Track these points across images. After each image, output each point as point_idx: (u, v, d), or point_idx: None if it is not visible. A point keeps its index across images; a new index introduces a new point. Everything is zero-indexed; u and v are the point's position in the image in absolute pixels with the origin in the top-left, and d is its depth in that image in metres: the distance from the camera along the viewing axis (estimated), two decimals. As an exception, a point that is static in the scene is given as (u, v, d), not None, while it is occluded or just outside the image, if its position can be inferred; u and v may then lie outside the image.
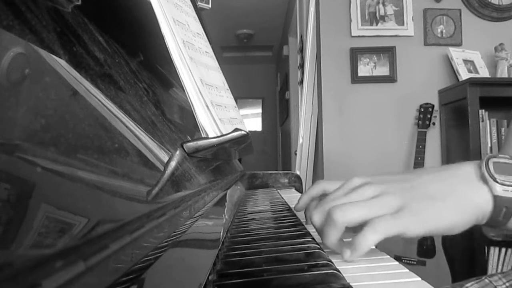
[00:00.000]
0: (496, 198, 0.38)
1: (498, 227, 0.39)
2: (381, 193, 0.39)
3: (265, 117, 6.05)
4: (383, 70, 2.14)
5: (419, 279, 0.31)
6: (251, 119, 5.97)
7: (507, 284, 0.51)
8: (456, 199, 0.38)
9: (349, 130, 2.15)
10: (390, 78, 2.14)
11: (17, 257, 0.11)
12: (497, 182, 0.38)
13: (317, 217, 0.40)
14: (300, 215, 0.59)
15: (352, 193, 0.40)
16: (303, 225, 0.51)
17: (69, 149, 0.17)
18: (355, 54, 2.15)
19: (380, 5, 2.16)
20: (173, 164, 0.32)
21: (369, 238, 0.35)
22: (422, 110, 1.99)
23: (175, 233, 0.26)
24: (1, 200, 0.11)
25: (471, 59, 2.08)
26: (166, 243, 0.23)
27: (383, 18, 2.16)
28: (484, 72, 2.06)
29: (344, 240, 0.39)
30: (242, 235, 0.47)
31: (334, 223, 0.37)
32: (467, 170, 0.40)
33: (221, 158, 0.63)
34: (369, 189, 0.40)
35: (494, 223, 0.38)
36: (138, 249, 0.19)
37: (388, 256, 0.39)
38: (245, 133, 0.45)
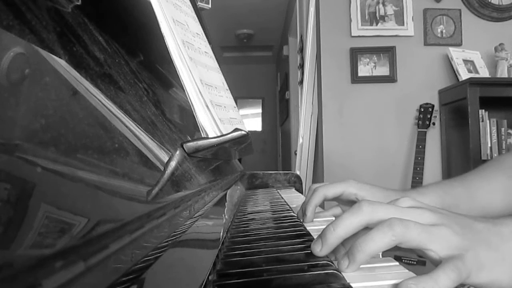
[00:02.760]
0: None
1: None
2: (441, 224, 0.35)
3: (265, 117, 6.04)
4: (383, 70, 2.14)
5: (419, 279, 0.31)
6: (251, 119, 5.97)
7: (508, 284, 0.51)
8: (509, 257, 0.34)
9: (349, 130, 2.15)
10: (390, 78, 2.14)
11: (17, 257, 0.11)
12: None
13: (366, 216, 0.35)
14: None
15: (410, 211, 0.36)
16: (303, 225, 0.51)
17: (69, 149, 0.17)
18: (355, 54, 2.15)
19: (380, 5, 2.16)
20: (173, 164, 0.32)
21: (442, 284, 0.30)
22: (422, 110, 1.99)
23: (175, 233, 0.26)
24: (1, 200, 0.11)
25: (471, 59, 2.08)
26: (166, 243, 0.23)
27: (383, 18, 2.16)
28: (484, 72, 2.06)
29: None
30: (242, 235, 0.47)
31: (391, 233, 0.32)
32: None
33: (221, 158, 0.63)
34: (427, 214, 0.35)
35: None
36: (138, 249, 0.19)
37: (388, 256, 0.39)
38: (245, 133, 0.45)
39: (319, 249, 0.36)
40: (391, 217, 0.34)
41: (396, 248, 0.35)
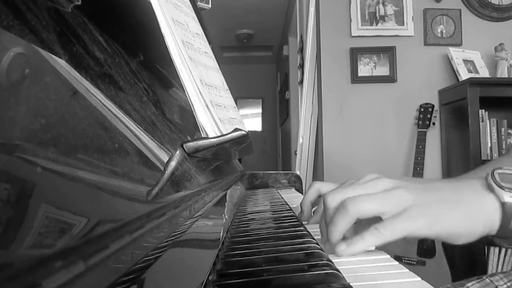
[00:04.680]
0: (504, 206, 0.38)
1: (510, 237, 0.39)
2: (395, 187, 0.40)
3: (265, 117, 6.04)
4: (383, 70, 2.14)
5: (419, 279, 0.31)
6: (251, 119, 5.97)
7: (509, 284, 0.51)
8: (465, 207, 0.39)
9: (349, 130, 2.15)
10: (390, 78, 2.14)
11: (17, 257, 0.11)
12: (504, 189, 0.38)
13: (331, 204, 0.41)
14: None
15: (368, 184, 0.41)
16: (303, 225, 0.51)
17: (69, 149, 0.17)
18: (355, 54, 2.14)
19: (380, 5, 2.16)
20: (173, 164, 0.32)
21: (370, 240, 0.37)
22: (422, 110, 1.99)
23: (175, 233, 0.26)
24: (1, 200, 0.11)
25: (471, 59, 2.08)
26: (166, 243, 0.23)
27: (383, 18, 2.16)
28: (484, 72, 2.06)
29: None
30: (242, 235, 0.47)
31: (346, 212, 0.38)
32: (474, 182, 0.41)
33: (221, 158, 0.63)
34: (384, 182, 0.41)
35: (505, 233, 0.38)
36: (138, 249, 0.19)
37: (388, 256, 0.39)
38: (245, 133, 0.45)
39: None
40: (345, 199, 0.39)
41: (398, 244, 0.37)
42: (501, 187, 0.38)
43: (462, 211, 0.38)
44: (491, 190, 0.39)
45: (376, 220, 0.39)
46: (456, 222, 0.38)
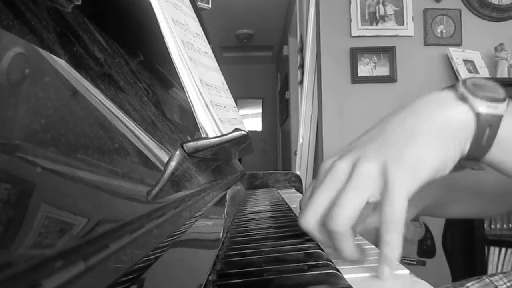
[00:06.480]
0: (479, 117, 0.33)
1: (479, 158, 0.35)
2: (356, 161, 0.35)
3: (265, 117, 6.04)
4: (383, 70, 2.14)
5: (419, 279, 0.31)
6: (251, 119, 5.97)
7: (508, 284, 0.51)
8: (435, 130, 0.33)
9: (349, 130, 2.15)
10: (390, 78, 2.14)
11: (17, 257, 0.11)
12: (479, 98, 0.33)
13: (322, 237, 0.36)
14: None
15: (327, 181, 0.35)
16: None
17: (69, 149, 0.17)
18: (355, 54, 2.14)
19: (380, 5, 2.16)
20: (173, 164, 0.32)
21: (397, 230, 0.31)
22: (422, 110, 1.99)
23: (175, 233, 0.26)
24: (1, 200, 0.11)
25: (471, 59, 2.08)
26: (166, 243, 0.23)
27: (383, 18, 2.16)
28: (484, 72, 2.06)
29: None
30: (242, 235, 0.47)
31: (339, 234, 0.33)
32: (440, 96, 0.35)
33: (221, 158, 0.63)
34: (340, 165, 0.36)
35: (476, 151, 0.34)
36: (138, 249, 0.19)
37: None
38: (245, 133, 0.45)
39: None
40: (328, 221, 0.33)
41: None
42: (475, 95, 0.33)
43: (435, 138, 0.33)
44: (464, 99, 0.34)
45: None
46: (435, 154, 0.33)
